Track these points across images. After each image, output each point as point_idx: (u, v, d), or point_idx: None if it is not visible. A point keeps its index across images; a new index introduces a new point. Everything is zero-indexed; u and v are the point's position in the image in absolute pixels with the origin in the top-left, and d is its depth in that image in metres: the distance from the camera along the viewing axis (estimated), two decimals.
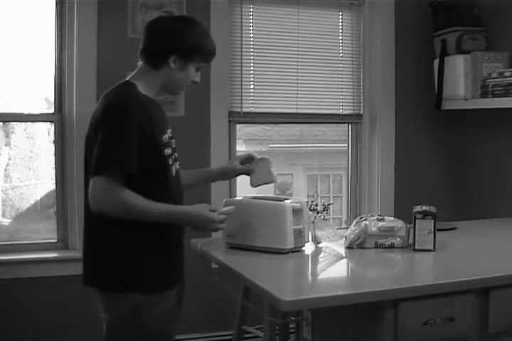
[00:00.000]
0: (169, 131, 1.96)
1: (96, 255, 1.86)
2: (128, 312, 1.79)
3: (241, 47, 3.35)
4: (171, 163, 1.90)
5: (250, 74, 3.40)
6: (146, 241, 1.83)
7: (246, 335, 2.79)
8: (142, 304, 1.79)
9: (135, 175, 1.76)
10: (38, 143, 3.26)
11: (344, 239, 2.33)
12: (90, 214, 1.85)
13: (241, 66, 3.35)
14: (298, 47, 3.47)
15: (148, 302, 1.80)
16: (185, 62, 1.90)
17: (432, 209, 2.24)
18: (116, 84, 1.91)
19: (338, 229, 2.49)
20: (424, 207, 2.25)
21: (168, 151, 1.88)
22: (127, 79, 1.92)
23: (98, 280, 1.86)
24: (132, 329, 1.81)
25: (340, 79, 3.59)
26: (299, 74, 3.48)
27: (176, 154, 1.97)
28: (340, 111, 3.62)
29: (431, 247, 2.20)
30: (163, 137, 1.88)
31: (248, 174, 2.27)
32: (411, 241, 2.25)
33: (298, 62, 3.48)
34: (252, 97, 3.41)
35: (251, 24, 3.38)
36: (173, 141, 1.97)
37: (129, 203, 1.75)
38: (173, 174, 1.92)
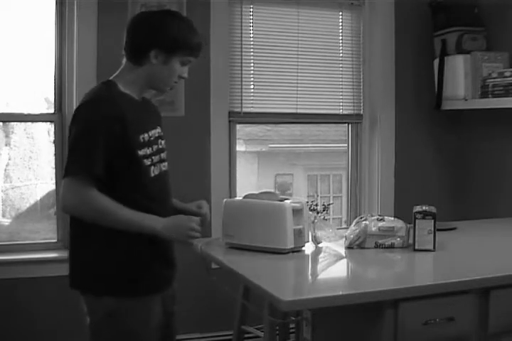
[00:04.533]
0: (155, 130, 1.91)
1: (76, 258, 1.85)
2: (105, 316, 1.78)
3: (241, 47, 3.35)
4: (148, 163, 1.83)
5: (250, 74, 3.40)
6: (123, 245, 1.80)
7: (246, 335, 2.79)
8: (116, 308, 1.78)
9: (103, 178, 1.74)
10: (38, 143, 3.26)
11: (344, 239, 2.33)
12: (71, 218, 1.85)
13: (241, 66, 3.35)
14: (298, 47, 3.47)
15: (123, 306, 1.78)
16: (167, 57, 1.84)
17: (432, 209, 2.24)
18: (99, 84, 1.88)
19: (338, 229, 2.49)
20: (424, 207, 2.25)
21: (145, 151, 1.82)
22: (110, 78, 1.88)
23: (78, 282, 1.86)
24: (109, 332, 1.80)
25: (340, 79, 3.59)
26: (299, 74, 3.48)
27: (162, 154, 1.93)
28: (340, 111, 3.62)
29: (431, 247, 2.20)
30: (141, 137, 1.82)
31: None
32: (411, 241, 2.25)
33: (298, 62, 3.47)
34: (252, 97, 3.41)
35: (251, 24, 3.38)
36: (160, 141, 1.93)
37: (96, 204, 1.72)
38: (152, 175, 1.85)
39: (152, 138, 1.87)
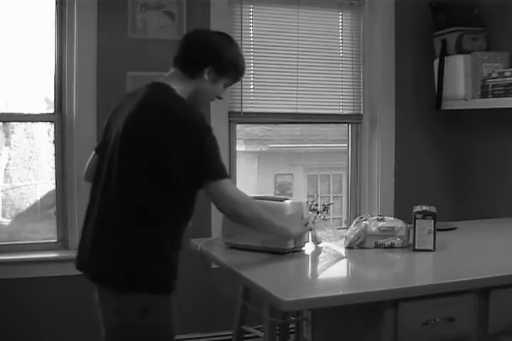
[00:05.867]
0: None
1: (113, 255, 1.82)
2: (139, 312, 1.78)
3: (241, 47, 3.33)
4: None
5: (250, 74, 3.39)
6: (172, 249, 1.85)
7: (246, 335, 2.79)
8: (152, 303, 1.80)
9: None
10: (38, 143, 3.26)
11: (344, 239, 2.33)
12: (112, 214, 1.83)
13: None
14: (298, 47, 3.47)
15: (158, 301, 1.81)
16: (218, 76, 1.94)
17: (432, 209, 2.24)
18: (157, 85, 1.90)
19: (338, 229, 2.49)
20: (424, 207, 2.25)
21: None
22: (162, 82, 1.91)
23: (115, 281, 1.83)
24: (143, 328, 1.80)
25: (340, 79, 3.59)
26: (299, 74, 3.48)
27: None
28: (340, 111, 3.62)
29: (431, 247, 2.21)
30: None
31: None
32: (411, 241, 2.25)
33: (298, 62, 3.48)
34: (252, 97, 3.41)
35: (251, 24, 3.38)
36: None
37: (255, 205, 1.94)
38: None
39: None
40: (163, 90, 1.89)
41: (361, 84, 3.63)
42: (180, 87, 1.90)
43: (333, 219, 3.75)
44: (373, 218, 2.35)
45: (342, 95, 3.60)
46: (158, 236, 1.81)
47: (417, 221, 2.21)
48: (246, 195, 1.93)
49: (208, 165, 1.81)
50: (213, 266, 2.35)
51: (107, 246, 1.84)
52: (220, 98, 2.05)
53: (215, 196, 1.82)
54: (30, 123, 3.23)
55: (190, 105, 1.87)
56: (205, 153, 1.80)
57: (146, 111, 1.83)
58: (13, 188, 3.26)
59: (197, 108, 1.91)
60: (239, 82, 3.28)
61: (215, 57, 1.94)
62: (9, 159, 3.23)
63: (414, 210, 2.24)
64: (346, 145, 3.71)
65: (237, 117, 3.37)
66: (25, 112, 3.12)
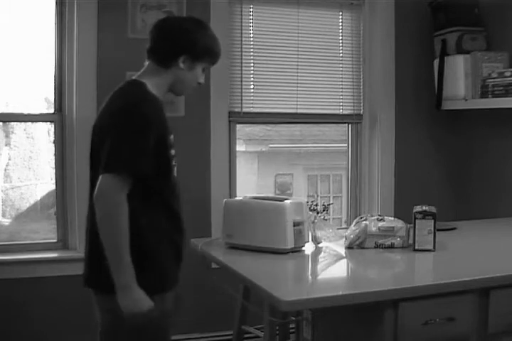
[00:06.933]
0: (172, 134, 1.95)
1: (98, 256, 1.80)
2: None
3: (241, 47, 3.35)
4: (174, 163, 1.90)
5: (250, 74, 3.40)
6: (151, 243, 1.81)
7: (246, 335, 2.79)
8: None
9: (147, 176, 1.75)
10: (38, 143, 3.26)
11: (344, 239, 2.33)
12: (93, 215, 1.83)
13: (241, 66, 3.35)
14: (298, 47, 3.47)
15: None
16: (193, 63, 1.91)
17: (432, 209, 2.24)
18: (125, 82, 1.91)
19: (338, 229, 2.49)
20: (424, 207, 2.25)
21: (172, 152, 1.88)
22: (135, 78, 1.91)
23: (98, 281, 1.83)
24: (134, 327, 1.78)
25: (340, 79, 3.59)
26: (299, 74, 3.48)
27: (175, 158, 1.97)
28: (340, 111, 3.62)
29: (431, 247, 2.21)
30: (170, 137, 1.88)
31: None
32: (411, 241, 2.25)
33: (298, 62, 3.48)
34: (252, 97, 3.41)
35: (251, 24, 3.38)
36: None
37: (119, 214, 1.70)
38: (175, 175, 1.92)
39: (173, 141, 1.91)
40: (131, 87, 1.86)
41: (361, 84, 3.63)
42: (155, 82, 1.87)
43: (333, 219, 3.75)
44: (373, 218, 2.35)
45: (342, 95, 3.60)
46: (138, 231, 1.75)
47: (417, 221, 2.22)
48: (120, 204, 1.70)
49: (111, 156, 1.71)
50: (213, 265, 2.35)
51: (90, 247, 1.84)
52: (200, 83, 1.99)
53: (97, 188, 1.70)
54: (30, 123, 3.23)
55: (151, 100, 1.81)
56: (117, 144, 1.71)
57: (104, 111, 1.83)
58: (13, 188, 3.26)
59: (165, 102, 1.88)
60: (239, 82, 3.34)
61: (187, 44, 1.88)
62: (9, 159, 3.23)
63: (414, 210, 2.24)
64: (346, 145, 3.71)
65: (237, 117, 3.37)
66: (25, 112, 3.12)
